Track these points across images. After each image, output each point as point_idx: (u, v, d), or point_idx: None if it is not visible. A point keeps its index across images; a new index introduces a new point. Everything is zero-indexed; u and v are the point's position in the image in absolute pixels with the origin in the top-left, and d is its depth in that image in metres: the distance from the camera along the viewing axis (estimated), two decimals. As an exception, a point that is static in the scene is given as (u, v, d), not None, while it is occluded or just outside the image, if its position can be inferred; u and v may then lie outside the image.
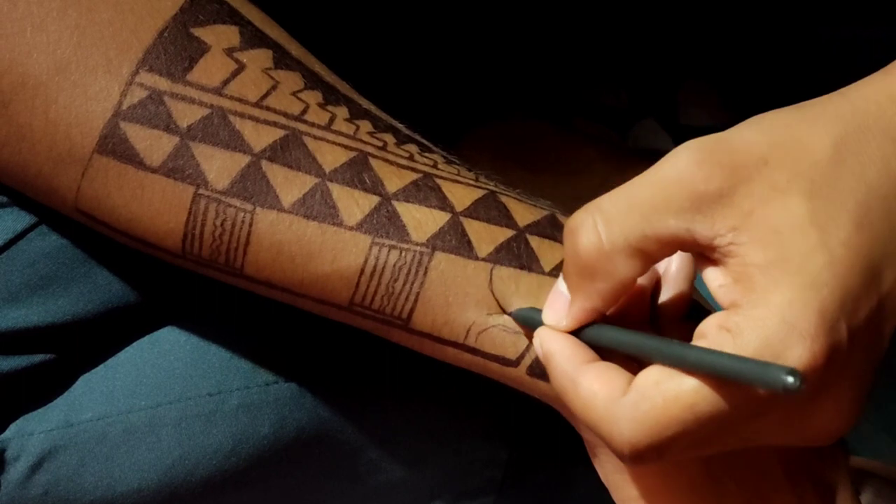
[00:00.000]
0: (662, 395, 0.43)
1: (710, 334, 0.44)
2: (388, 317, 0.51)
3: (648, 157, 0.73)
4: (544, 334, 0.48)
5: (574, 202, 0.56)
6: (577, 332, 0.48)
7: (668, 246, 0.45)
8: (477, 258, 0.51)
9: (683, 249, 0.45)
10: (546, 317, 0.48)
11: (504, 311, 0.51)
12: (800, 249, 0.43)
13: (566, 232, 0.46)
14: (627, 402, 0.44)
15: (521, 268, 0.51)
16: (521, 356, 0.51)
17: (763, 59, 0.72)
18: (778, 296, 0.43)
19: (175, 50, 0.50)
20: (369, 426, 0.60)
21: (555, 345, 0.47)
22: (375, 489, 0.62)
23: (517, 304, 0.51)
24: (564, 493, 0.65)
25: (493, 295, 0.51)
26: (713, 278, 0.45)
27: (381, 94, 0.56)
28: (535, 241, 0.52)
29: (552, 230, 0.52)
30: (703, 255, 0.45)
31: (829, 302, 0.43)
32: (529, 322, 0.50)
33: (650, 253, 0.45)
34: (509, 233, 0.52)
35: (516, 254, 0.52)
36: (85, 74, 0.50)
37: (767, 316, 0.42)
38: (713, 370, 0.42)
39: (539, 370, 0.51)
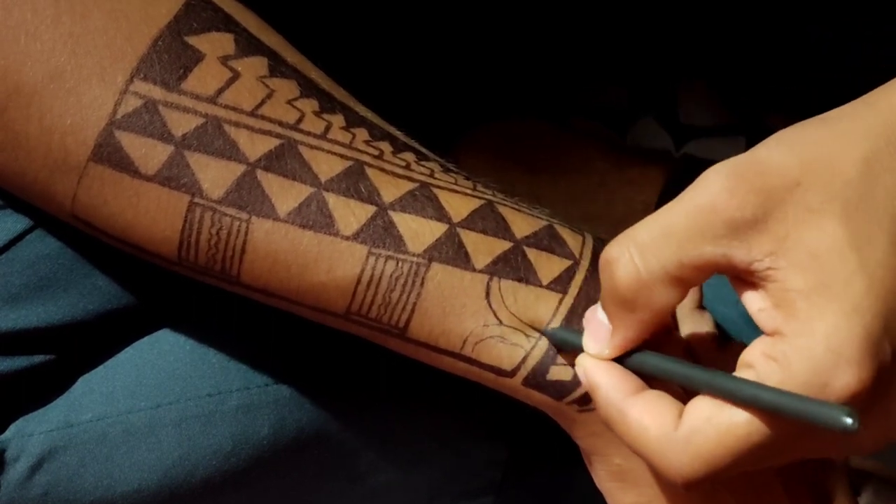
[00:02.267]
0: (716, 429, 0.44)
1: (756, 364, 0.44)
2: (385, 326, 0.51)
3: (648, 155, 0.73)
4: (588, 365, 0.48)
5: (573, 201, 0.56)
6: (620, 359, 0.48)
7: (706, 271, 0.45)
8: (474, 270, 0.51)
9: (721, 272, 0.45)
10: (588, 346, 0.49)
11: (500, 323, 0.51)
12: (840, 274, 0.43)
13: (602, 263, 0.46)
14: (680, 438, 0.44)
15: (519, 280, 0.51)
16: (517, 367, 0.51)
17: (761, 57, 0.72)
18: (822, 323, 0.43)
19: (169, 58, 0.50)
20: (369, 426, 0.60)
21: (600, 376, 0.48)
22: (375, 489, 0.62)
23: (514, 315, 0.51)
24: (564, 493, 0.65)
25: (490, 307, 0.51)
26: (753, 302, 0.45)
27: (379, 94, 0.55)
28: (532, 254, 0.52)
29: (550, 242, 0.52)
30: (742, 278, 0.45)
31: (872, 326, 0.43)
32: (566, 344, 0.50)
33: (688, 279, 0.45)
34: (507, 244, 0.52)
35: (514, 266, 0.51)
36: (79, 83, 0.50)
37: (813, 345, 0.43)
38: (768, 407, 0.42)
39: (535, 381, 0.51)
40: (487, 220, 0.52)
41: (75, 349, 0.56)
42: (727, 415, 0.44)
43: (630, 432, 0.46)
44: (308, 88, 0.52)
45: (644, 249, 0.45)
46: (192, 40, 0.51)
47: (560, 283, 0.51)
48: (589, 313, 0.49)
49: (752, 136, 0.73)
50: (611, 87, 0.75)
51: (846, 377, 0.42)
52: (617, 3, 0.71)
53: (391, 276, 0.50)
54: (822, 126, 0.46)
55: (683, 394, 0.47)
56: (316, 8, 0.64)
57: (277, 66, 0.52)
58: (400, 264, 0.50)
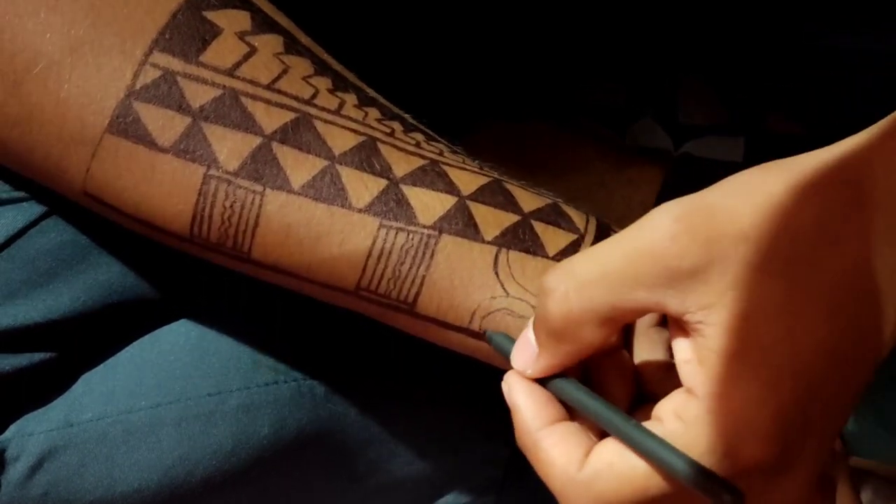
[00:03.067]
0: (616, 476, 0.44)
1: (665, 420, 0.44)
2: (394, 301, 0.51)
3: (647, 155, 0.73)
4: (513, 383, 0.48)
5: (571, 200, 0.56)
6: (544, 381, 0.48)
7: (638, 314, 0.45)
8: (483, 241, 0.51)
9: (655, 313, 0.46)
10: (514, 361, 0.48)
11: (508, 294, 0.51)
12: (765, 341, 0.42)
13: (540, 289, 0.46)
14: (581, 480, 0.45)
15: (527, 252, 0.52)
16: None
17: (759, 56, 0.73)
18: (738, 393, 0.43)
19: (188, 31, 0.51)
20: (369, 426, 0.60)
21: (522, 399, 0.48)
22: (375, 489, 0.62)
23: (521, 286, 0.51)
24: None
25: (498, 277, 0.51)
26: (681, 351, 0.45)
27: (379, 94, 0.56)
28: (539, 227, 0.52)
29: (556, 217, 0.53)
30: (675, 323, 0.45)
31: (786, 399, 0.43)
32: (502, 350, 0.50)
33: (619, 320, 0.45)
34: (515, 218, 0.52)
35: (521, 238, 0.52)
36: (99, 55, 0.50)
37: (725, 413, 0.43)
38: (662, 465, 0.43)
39: None
40: (496, 195, 0.52)
41: (76, 345, 0.56)
42: (629, 464, 0.44)
43: (539, 464, 0.46)
44: (322, 67, 0.53)
45: (579, 287, 0.45)
46: (210, 15, 0.51)
47: (566, 255, 0.52)
48: (526, 329, 0.48)
49: (751, 135, 0.73)
50: (609, 86, 0.75)
51: (751, 448, 0.43)
52: (615, 3, 0.71)
53: (401, 248, 0.51)
54: (781, 175, 0.44)
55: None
56: (318, 9, 0.64)
57: (293, 45, 0.53)
58: (410, 236, 0.51)
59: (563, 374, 0.47)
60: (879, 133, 0.45)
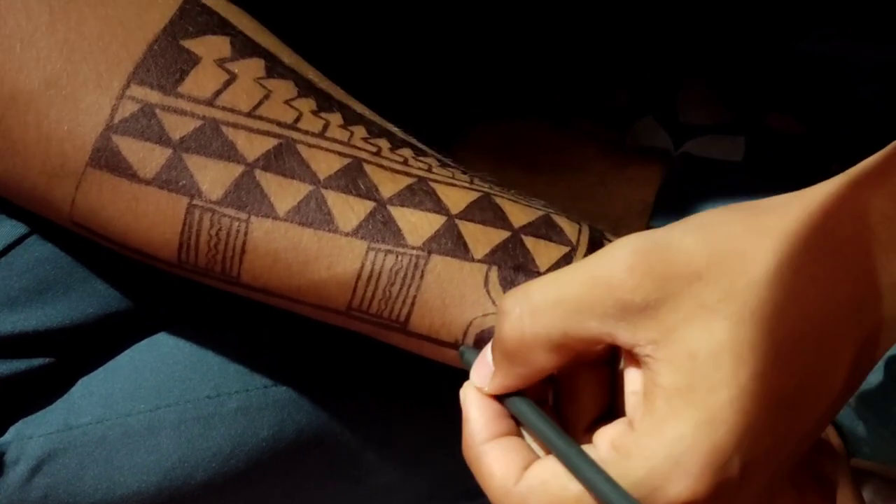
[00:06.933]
0: (548, 495, 0.44)
1: (600, 448, 0.44)
2: (386, 321, 0.51)
3: (646, 155, 0.73)
4: (468, 395, 0.48)
5: (571, 200, 0.56)
6: (501, 396, 0.48)
7: (590, 344, 0.45)
8: (473, 260, 0.51)
9: (607, 344, 0.46)
10: (473, 377, 0.49)
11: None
12: (708, 380, 0.42)
13: (498, 309, 0.47)
14: (516, 494, 0.45)
15: (517, 268, 0.51)
16: None
17: (759, 56, 0.72)
18: (671, 430, 0.42)
19: (166, 62, 0.50)
20: (368, 427, 0.60)
21: (473, 411, 0.48)
22: (374, 490, 0.62)
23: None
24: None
25: (490, 295, 0.51)
26: (630, 382, 0.45)
27: (378, 94, 0.55)
28: (530, 242, 0.52)
29: (547, 231, 0.53)
30: (628, 354, 0.45)
31: (723, 441, 0.42)
32: (469, 365, 0.50)
33: (571, 348, 0.45)
34: (505, 234, 0.52)
35: (512, 254, 0.52)
36: (76, 89, 0.50)
37: (656, 448, 0.43)
38: (594, 491, 0.43)
39: None
40: (485, 212, 0.52)
41: (74, 352, 0.56)
42: (561, 484, 0.44)
43: (480, 476, 0.47)
44: (305, 88, 0.53)
45: (533, 311, 0.45)
46: (188, 44, 0.51)
47: (558, 269, 0.51)
48: (486, 348, 0.49)
49: (751, 134, 0.73)
50: (610, 86, 0.75)
51: (679, 486, 0.42)
52: (617, 4, 0.71)
53: (391, 270, 0.51)
54: (744, 217, 0.44)
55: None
56: (314, 7, 0.64)
57: (274, 68, 0.52)
58: (399, 258, 0.51)
59: (520, 391, 0.48)
60: (849, 181, 0.45)
